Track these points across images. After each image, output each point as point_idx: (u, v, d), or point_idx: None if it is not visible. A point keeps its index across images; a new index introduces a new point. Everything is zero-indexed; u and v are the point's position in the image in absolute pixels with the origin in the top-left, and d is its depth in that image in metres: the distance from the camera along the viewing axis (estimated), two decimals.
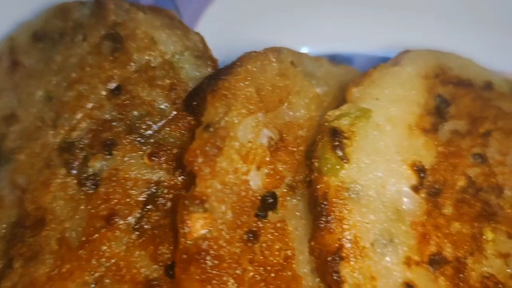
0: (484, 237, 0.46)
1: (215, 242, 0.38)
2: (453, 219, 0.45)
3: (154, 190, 0.43)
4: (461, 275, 0.43)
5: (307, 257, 0.43)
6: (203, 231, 0.38)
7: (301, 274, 0.42)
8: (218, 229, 0.39)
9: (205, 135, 0.40)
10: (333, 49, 0.66)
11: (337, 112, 0.46)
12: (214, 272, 0.38)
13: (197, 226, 0.38)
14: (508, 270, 0.46)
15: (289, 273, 0.41)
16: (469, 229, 0.45)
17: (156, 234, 0.41)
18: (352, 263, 0.40)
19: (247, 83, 0.43)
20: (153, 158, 0.44)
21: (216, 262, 0.38)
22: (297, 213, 0.44)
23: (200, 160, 0.39)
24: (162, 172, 0.44)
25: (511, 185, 0.50)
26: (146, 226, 0.42)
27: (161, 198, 0.43)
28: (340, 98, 0.50)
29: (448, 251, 0.43)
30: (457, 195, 0.46)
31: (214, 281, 0.38)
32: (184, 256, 0.38)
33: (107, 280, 0.40)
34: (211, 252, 0.38)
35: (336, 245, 0.41)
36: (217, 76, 0.43)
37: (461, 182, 0.47)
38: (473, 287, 0.43)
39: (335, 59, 0.61)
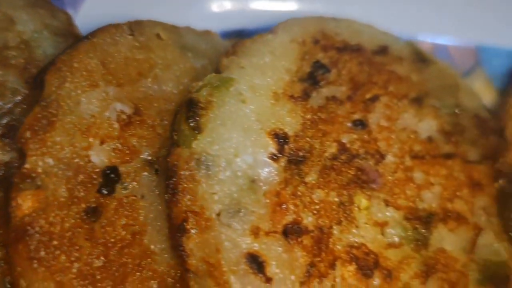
0: (355, 205, 0.43)
1: (45, 219, 0.37)
2: (317, 187, 0.42)
3: (3, 172, 0.42)
4: (323, 246, 0.40)
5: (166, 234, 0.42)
6: (31, 209, 0.37)
7: (156, 250, 0.41)
8: (50, 206, 0.37)
9: (37, 109, 0.38)
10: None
11: (200, 83, 0.45)
12: (43, 250, 0.36)
13: (26, 203, 0.37)
14: (385, 240, 0.44)
15: (138, 249, 0.40)
16: (336, 197, 0.43)
17: None
18: (196, 235, 0.38)
19: (90, 55, 0.41)
20: (4, 139, 0.42)
21: (45, 239, 0.37)
22: (155, 189, 0.42)
23: (28, 135, 0.37)
24: (14, 153, 0.43)
25: (394, 152, 0.48)
26: None
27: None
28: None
29: (309, 221, 0.41)
30: (325, 163, 0.44)
31: (44, 259, 0.36)
32: (13, 234, 0.36)
33: None
34: (40, 229, 0.37)
35: (182, 217, 0.39)
36: (63, 51, 0.42)
37: (332, 149, 0.44)
38: (338, 258, 0.41)
39: (242, 35, 0.59)
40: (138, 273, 0.39)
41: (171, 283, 0.40)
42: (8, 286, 0.38)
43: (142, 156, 0.43)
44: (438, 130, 0.50)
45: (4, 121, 0.44)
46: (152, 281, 0.39)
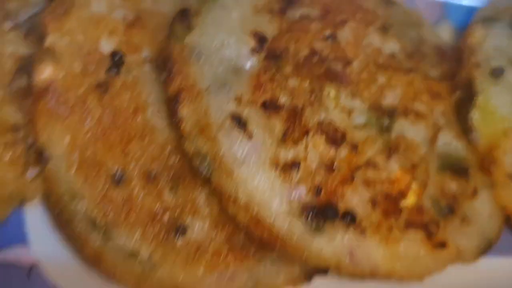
0: (325, 92, 0.51)
1: (62, 84, 0.44)
2: (291, 76, 0.50)
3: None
4: (297, 119, 0.47)
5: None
6: (51, 75, 0.44)
7: (157, 125, 0.48)
8: (66, 76, 0.45)
9: (54, 3, 0.47)
10: None
11: None
12: (60, 107, 0.43)
13: (46, 71, 0.44)
14: (351, 122, 0.51)
15: (141, 121, 0.47)
16: (308, 85, 0.50)
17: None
18: (188, 105, 0.46)
19: None
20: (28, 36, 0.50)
21: (62, 99, 0.44)
22: (154, 78, 0.50)
23: (47, 20, 0.46)
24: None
25: (361, 60, 0.55)
26: None
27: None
28: None
29: (284, 100, 0.48)
30: (298, 61, 0.51)
31: (61, 116, 0.43)
32: (35, 94, 0.44)
33: None
34: (57, 91, 0.44)
35: (177, 92, 0.46)
36: None
37: (305, 52, 0.52)
38: (310, 130, 0.48)
39: None
40: (141, 140, 0.46)
41: (168, 152, 0.47)
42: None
43: (143, 53, 0.50)
44: (401, 50, 0.58)
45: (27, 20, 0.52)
46: (153, 147, 0.46)
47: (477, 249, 0.52)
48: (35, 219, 0.47)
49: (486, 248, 0.53)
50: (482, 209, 0.53)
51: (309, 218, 0.44)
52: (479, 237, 0.52)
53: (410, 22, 0.62)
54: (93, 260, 0.45)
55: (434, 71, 0.58)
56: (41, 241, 0.47)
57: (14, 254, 0.47)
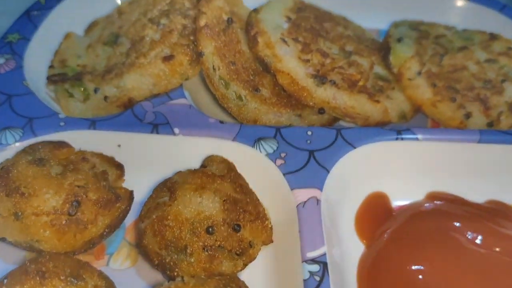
0: (321, 42, 1.11)
1: (211, 24, 1.04)
2: (305, 30, 1.10)
3: None
4: (307, 45, 1.07)
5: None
6: (206, 21, 1.04)
7: (246, 49, 1.07)
8: (213, 19, 1.05)
9: None
10: None
11: None
12: (210, 33, 1.03)
13: (203, 20, 1.04)
14: (332, 52, 1.10)
15: (240, 48, 1.06)
16: (312, 35, 1.11)
17: None
18: (260, 36, 1.05)
19: None
20: None
21: (212, 30, 1.04)
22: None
23: None
24: None
25: (335, 35, 1.17)
26: None
27: None
28: None
29: (302, 37, 1.08)
30: (306, 25, 1.13)
31: (210, 36, 1.03)
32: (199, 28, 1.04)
33: None
34: (209, 27, 1.04)
35: (254, 33, 1.06)
36: None
37: (312, 23, 1.14)
38: (313, 50, 1.06)
39: None
40: (239, 52, 1.05)
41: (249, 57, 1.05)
42: None
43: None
44: (357, 39, 1.20)
45: None
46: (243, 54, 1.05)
47: (397, 113, 1.08)
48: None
49: (402, 117, 1.08)
50: (398, 96, 1.10)
51: (315, 78, 1.01)
52: (398, 108, 1.08)
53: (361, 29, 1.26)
54: (221, 100, 1.00)
55: (371, 45, 1.20)
56: None
57: None
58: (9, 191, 0.77)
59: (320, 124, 1.06)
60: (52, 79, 1.05)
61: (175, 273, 0.77)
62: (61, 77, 1.05)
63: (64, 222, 0.76)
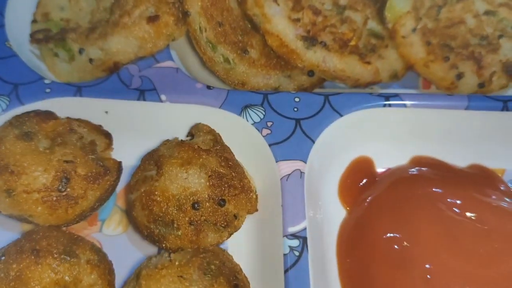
0: None
1: None
2: None
3: None
4: (298, 2, 1.03)
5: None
6: None
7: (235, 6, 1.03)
8: None
9: None
10: None
11: None
12: None
13: None
14: (325, 8, 1.06)
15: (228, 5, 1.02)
16: None
17: None
18: None
19: None
20: None
21: None
22: None
23: None
24: None
25: None
26: None
27: None
28: None
29: None
30: None
31: None
32: None
33: None
34: None
35: None
36: None
37: None
38: (304, 6, 1.03)
39: None
40: (228, 10, 1.01)
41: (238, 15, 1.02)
42: None
43: None
44: None
45: None
46: (232, 12, 1.01)
47: (388, 73, 1.06)
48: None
49: (394, 76, 1.07)
50: (391, 54, 1.08)
51: (305, 41, 0.99)
52: (390, 68, 1.07)
53: None
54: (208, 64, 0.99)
55: None
56: None
57: None
58: None
59: (310, 84, 1.05)
60: (35, 38, 1.02)
61: (163, 245, 0.81)
62: (44, 34, 1.02)
63: (55, 198, 0.79)
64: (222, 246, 0.84)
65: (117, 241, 0.87)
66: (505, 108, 0.98)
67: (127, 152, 0.93)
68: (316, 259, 0.81)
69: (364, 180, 0.97)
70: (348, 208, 0.94)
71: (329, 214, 0.92)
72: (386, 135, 0.99)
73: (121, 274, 0.82)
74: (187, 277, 0.70)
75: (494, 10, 1.14)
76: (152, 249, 0.86)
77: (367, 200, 0.93)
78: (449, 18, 1.12)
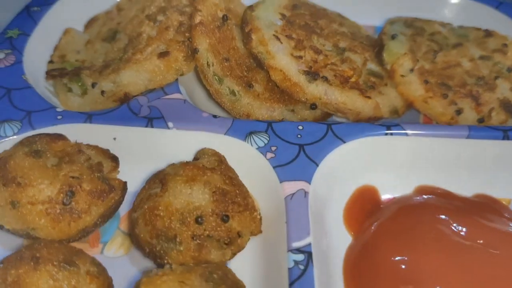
0: (314, 39, 1.13)
1: (206, 22, 1.07)
2: (298, 28, 1.12)
3: None
4: (300, 42, 1.09)
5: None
6: (201, 19, 1.07)
7: (241, 47, 1.09)
8: (208, 17, 1.08)
9: None
10: None
11: None
12: (205, 30, 1.06)
13: (198, 17, 1.07)
14: (326, 49, 1.12)
15: (234, 44, 1.08)
16: (306, 33, 1.12)
17: None
18: (254, 33, 1.07)
19: None
20: None
21: (206, 28, 1.06)
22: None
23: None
24: None
25: (329, 31, 1.18)
26: None
27: None
28: None
29: (295, 35, 1.10)
30: (301, 23, 1.15)
31: (204, 33, 1.05)
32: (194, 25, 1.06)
33: None
34: (205, 24, 1.06)
35: (249, 30, 1.08)
36: None
37: (304, 22, 1.16)
38: (306, 47, 1.08)
39: None
40: (234, 48, 1.07)
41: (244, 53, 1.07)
42: None
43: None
44: (352, 35, 1.22)
45: None
46: (237, 51, 1.07)
47: (388, 109, 1.10)
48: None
49: (394, 112, 1.10)
50: (390, 92, 1.11)
51: (307, 75, 1.03)
52: (390, 104, 1.10)
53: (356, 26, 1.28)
54: (214, 96, 1.03)
55: (366, 41, 1.21)
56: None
57: None
58: (6, 181, 0.80)
59: (312, 119, 1.08)
60: (51, 74, 1.08)
61: (165, 261, 0.79)
62: (60, 71, 1.08)
63: (58, 211, 0.79)
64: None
65: (118, 262, 0.86)
66: (505, 137, 1.00)
67: (133, 176, 0.94)
68: (321, 276, 0.79)
69: (369, 208, 0.96)
70: (353, 234, 0.92)
71: (333, 238, 0.90)
72: (389, 164, 1.00)
73: None
74: (188, 283, 0.68)
75: (488, 55, 1.20)
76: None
77: (373, 226, 0.92)
78: (445, 61, 1.17)
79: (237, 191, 0.85)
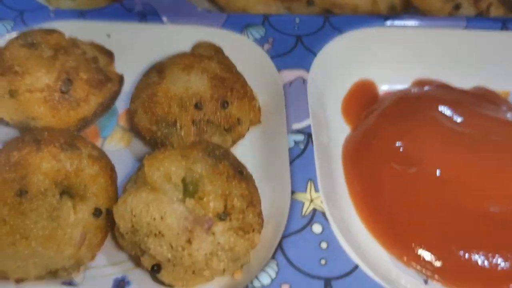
0: None
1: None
2: None
3: None
4: None
5: None
6: None
7: None
8: None
9: None
10: None
11: None
12: None
13: None
14: None
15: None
16: None
17: None
18: None
19: None
20: None
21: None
22: None
23: None
24: None
25: None
26: None
27: None
28: None
29: None
30: None
31: None
32: None
33: None
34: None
35: None
36: None
37: None
38: None
39: None
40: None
41: None
42: None
43: None
44: None
45: None
46: None
47: (386, 4, 1.07)
48: None
49: (392, 8, 1.08)
50: None
51: None
52: None
53: None
54: None
55: None
56: None
57: None
58: (3, 70, 0.79)
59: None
60: None
61: (167, 145, 0.80)
62: None
63: (57, 98, 0.79)
64: None
65: (119, 154, 0.86)
66: (504, 28, 0.98)
67: (130, 74, 0.93)
68: (321, 157, 0.80)
69: (367, 100, 0.97)
70: (351, 125, 0.93)
71: (333, 130, 0.91)
72: (387, 56, 0.99)
73: (123, 183, 0.81)
74: (191, 157, 0.69)
75: None
76: None
77: (372, 115, 0.92)
78: None
79: (235, 79, 0.84)
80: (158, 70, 0.85)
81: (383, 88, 0.99)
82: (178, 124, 0.79)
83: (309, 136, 0.79)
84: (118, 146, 0.88)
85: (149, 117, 0.81)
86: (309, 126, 0.80)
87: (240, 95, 0.83)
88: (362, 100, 0.96)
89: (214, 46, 0.91)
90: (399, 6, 1.09)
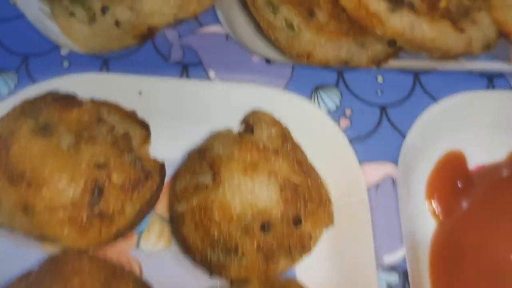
0: None
1: None
2: None
3: None
4: None
5: None
6: None
7: None
8: None
9: None
10: None
11: None
12: None
13: None
14: None
15: None
16: None
17: None
18: None
19: None
20: None
21: None
22: None
23: None
24: None
25: None
26: None
27: None
28: None
29: None
30: None
31: None
32: None
33: None
34: None
35: None
36: None
37: None
38: None
39: None
40: None
41: None
42: None
43: None
44: None
45: None
46: None
47: (481, 43, 0.86)
48: None
49: (486, 47, 0.87)
50: (484, 19, 0.87)
51: (390, 2, 0.78)
52: (483, 37, 0.86)
53: None
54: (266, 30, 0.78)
55: None
56: None
57: None
58: (12, 176, 0.60)
59: (385, 55, 0.85)
60: None
61: (223, 275, 0.64)
62: None
63: (85, 217, 0.61)
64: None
65: (160, 260, 0.70)
66: None
67: (167, 144, 0.74)
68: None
69: (456, 180, 0.79)
70: (442, 212, 0.76)
71: (418, 226, 0.75)
72: (482, 124, 0.81)
73: None
74: None
75: None
76: (204, 275, 0.69)
77: (462, 208, 0.76)
78: None
79: (309, 181, 0.66)
80: (210, 165, 0.66)
81: (474, 161, 0.82)
82: (239, 251, 0.63)
83: (405, 275, 0.63)
84: (157, 246, 0.71)
85: (202, 236, 0.64)
86: (403, 259, 0.64)
87: (315, 205, 0.66)
88: (451, 181, 0.79)
89: (280, 128, 0.71)
90: (494, 45, 0.87)
